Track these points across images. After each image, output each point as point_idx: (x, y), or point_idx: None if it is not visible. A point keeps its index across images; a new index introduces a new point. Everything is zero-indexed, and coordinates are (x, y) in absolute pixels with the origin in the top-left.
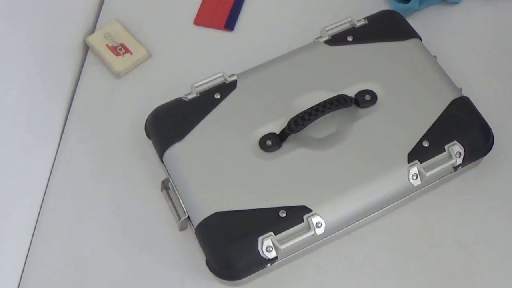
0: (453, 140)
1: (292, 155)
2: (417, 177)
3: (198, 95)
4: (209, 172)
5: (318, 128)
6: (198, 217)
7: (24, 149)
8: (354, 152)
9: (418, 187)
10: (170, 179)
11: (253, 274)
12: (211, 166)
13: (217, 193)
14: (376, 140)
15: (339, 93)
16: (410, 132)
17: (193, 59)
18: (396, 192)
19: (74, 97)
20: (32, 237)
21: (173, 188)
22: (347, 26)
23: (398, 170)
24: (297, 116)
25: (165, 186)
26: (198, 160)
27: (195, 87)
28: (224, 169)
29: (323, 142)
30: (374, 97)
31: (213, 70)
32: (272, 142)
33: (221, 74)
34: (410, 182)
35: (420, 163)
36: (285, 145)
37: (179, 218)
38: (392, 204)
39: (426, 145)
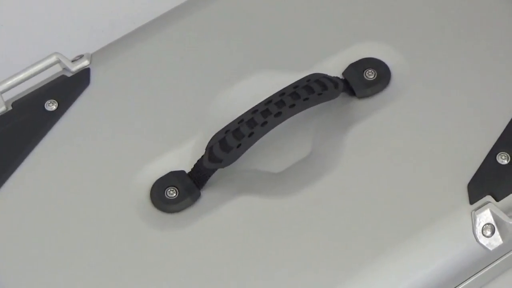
0: None
1: (223, 213)
2: (492, 232)
3: (10, 108)
4: (48, 263)
5: (274, 150)
6: None
7: None
8: (354, 195)
9: (498, 252)
10: None
11: None
12: (52, 252)
13: None
14: (395, 163)
15: (311, 72)
16: (467, 139)
17: None
18: (452, 271)
19: None
20: None
21: None
22: None
23: (451, 222)
24: (227, 129)
25: None
26: (23, 241)
27: (2, 92)
28: (81, 256)
29: (286, 179)
30: (384, 74)
31: (39, 53)
32: (178, 191)
33: (55, 59)
34: (480, 243)
35: (497, 200)
36: (206, 194)
37: None
38: None
39: (505, 162)
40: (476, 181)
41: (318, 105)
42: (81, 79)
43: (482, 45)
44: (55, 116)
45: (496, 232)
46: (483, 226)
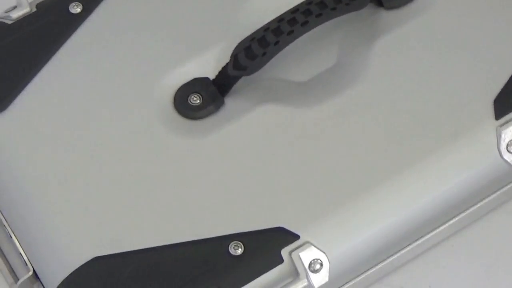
0: None
1: (246, 122)
2: None
3: (35, 9)
4: (70, 172)
5: (299, 60)
6: (57, 273)
7: None
8: (379, 107)
9: None
10: None
11: None
12: (73, 159)
13: (93, 216)
14: (422, 77)
15: None
16: (495, 55)
17: None
18: (475, 186)
19: None
20: None
21: None
22: None
23: (476, 136)
24: (252, 37)
25: None
26: (45, 150)
27: None
28: (103, 164)
29: (311, 88)
30: None
31: None
32: (202, 98)
33: None
34: (504, 159)
35: None
36: (230, 102)
37: (16, 279)
38: (467, 212)
39: None
40: (502, 96)
41: (345, 16)
42: None
43: None
44: (80, 18)
45: None
46: (508, 142)
